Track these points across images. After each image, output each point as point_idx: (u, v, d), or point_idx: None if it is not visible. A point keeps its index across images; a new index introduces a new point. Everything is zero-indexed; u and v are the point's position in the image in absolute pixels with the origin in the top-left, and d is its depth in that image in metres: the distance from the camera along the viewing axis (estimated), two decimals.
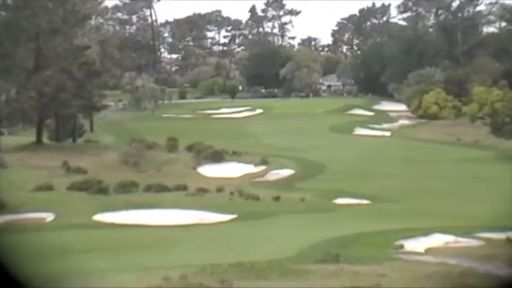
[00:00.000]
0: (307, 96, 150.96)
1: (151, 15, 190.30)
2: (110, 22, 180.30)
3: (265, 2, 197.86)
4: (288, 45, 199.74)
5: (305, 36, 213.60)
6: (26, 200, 50.88)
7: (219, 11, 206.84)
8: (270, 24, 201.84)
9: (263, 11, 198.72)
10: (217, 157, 72.45)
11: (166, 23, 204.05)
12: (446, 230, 38.08)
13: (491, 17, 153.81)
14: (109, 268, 26.66)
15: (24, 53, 77.88)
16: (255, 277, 23.21)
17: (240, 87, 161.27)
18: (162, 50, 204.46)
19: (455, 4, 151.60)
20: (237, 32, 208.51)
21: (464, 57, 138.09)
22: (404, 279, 23.22)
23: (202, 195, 54.93)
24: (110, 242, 37.38)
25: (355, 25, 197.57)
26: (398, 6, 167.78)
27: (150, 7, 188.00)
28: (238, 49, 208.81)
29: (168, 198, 53.43)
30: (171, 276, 22.50)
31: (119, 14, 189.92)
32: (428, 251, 32.73)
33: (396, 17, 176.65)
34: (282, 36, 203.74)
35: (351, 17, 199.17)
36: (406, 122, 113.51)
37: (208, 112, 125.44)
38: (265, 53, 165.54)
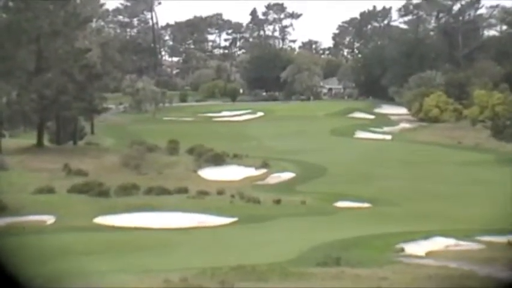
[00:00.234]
0: (308, 99, 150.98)
1: (152, 18, 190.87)
2: (111, 25, 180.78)
3: (266, 5, 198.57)
4: (289, 48, 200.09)
5: (306, 39, 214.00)
6: (26, 202, 50.85)
7: (220, 14, 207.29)
8: (270, 27, 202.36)
9: (264, 14, 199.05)
10: (218, 160, 72.44)
11: (167, 25, 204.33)
12: (447, 233, 38.11)
13: (492, 20, 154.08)
14: (109, 270, 26.64)
15: (25, 55, 77.85)
16: (256, 280, 23.19)
17: (241, 90, 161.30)
18: (163, 52, 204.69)
19: (456, 7, 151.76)
20: (238, 35, 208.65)
21: (465, 61, 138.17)
22: (405, 282, 23.22)
23: (203, 198, 54.94)
24: (111, 244, 37.33)
25: (356, 28, 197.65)
26: (399, 10, 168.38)
27: (151, 10, 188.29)
28: (239, 52, 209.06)
29: (168, 201, 53.42)
30: (171, 278, 22.51)
31: (120, 17, 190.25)
32: (429, 254, 32.78)
33: (397, 20, 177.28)
34: (283, 39, 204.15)
35: (352, 20, 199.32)
36: (406, 125, 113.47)
37: (209, 115, 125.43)
38: (266, 56, 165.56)
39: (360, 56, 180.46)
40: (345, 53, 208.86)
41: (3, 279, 15.60)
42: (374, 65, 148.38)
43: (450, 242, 36.37)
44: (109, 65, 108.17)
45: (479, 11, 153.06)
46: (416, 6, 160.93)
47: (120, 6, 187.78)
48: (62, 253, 33.27)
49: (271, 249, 32.60)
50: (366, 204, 54.33)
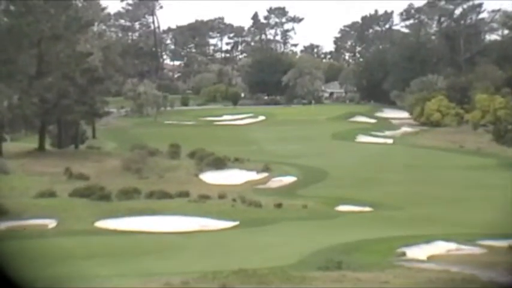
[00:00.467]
0: (310, 103, 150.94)
1: (153, 22, 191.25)
2: (113, 29, 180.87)
3: (268, 9, 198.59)
4: (291, 52, 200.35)
5: (307, 43, 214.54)
6: (28, 206, 50.86)
7: (222, 18, 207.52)
8: (272, 31, 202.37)
9: (265, 18, 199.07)
10: (219, 164, 72.43)
11: (169, 29, 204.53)
12: (449, 238, 38.05)
13: (494, 25, 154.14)
14: (111, 274, 26.64)
15: (26, 59, 77.92)
16: (257, 284, 23.17)
17: (243, 94, 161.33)
18: (165, 56, 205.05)
19: (458, 11, 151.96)
20: (240, 39, 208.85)
21: (467, 65, 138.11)
22: (406, 286, 23.19)
23: (204, 201, 54.87)
24: (112, 248, 37.34)
25: (357, 32, 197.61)
26: (401, 14, 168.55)
27: (152, 14, 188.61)
28: (240, 56, 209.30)
29: (170, 205, 53.41)
30: (172, 282, 22.50)
31: (122, 21, 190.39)
32: (431, 259, 32.72)
33: (399, 25, 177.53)
34: (285, 43, 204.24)
35: (354, 24, 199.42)
36: (408, 129, 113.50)
37: (211, 119, 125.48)
38: (268, 60, 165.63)
39: (361, 60, 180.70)
40: (347, 57, 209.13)
41: (4, 283, 15.59)
42: (376, 69, 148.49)
43: (452, 246, 36.31)
44: (110, 68, 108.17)
45: (481, 15, 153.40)
46: (418, 10, 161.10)
47: (121, 10, 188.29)
48: (63, 257, 33.25)
49: (272, 253, 32.59)
50: (367, 208, 54.29)
